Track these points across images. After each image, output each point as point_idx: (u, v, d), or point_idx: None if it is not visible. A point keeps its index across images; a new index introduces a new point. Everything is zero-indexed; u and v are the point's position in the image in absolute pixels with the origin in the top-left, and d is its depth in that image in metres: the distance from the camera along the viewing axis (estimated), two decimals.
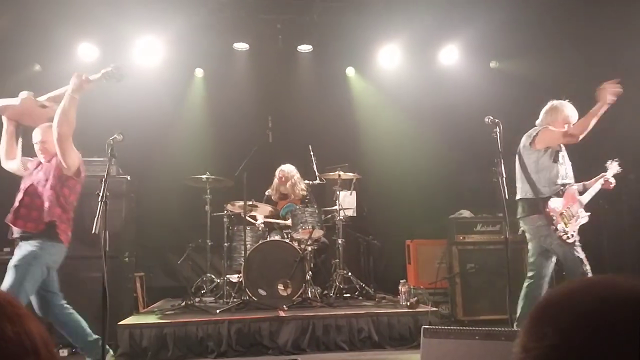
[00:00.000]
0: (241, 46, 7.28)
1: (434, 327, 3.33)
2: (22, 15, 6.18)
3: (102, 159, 6.10)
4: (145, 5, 6.23)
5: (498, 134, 4.22)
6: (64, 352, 5.37)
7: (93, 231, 3.56)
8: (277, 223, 6.52)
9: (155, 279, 7.21)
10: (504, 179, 4.12)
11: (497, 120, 4.25)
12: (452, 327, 3.26)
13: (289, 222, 6.33)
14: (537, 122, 4.72)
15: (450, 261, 6.55)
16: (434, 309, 5.76)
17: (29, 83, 6.39)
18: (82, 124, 6.41)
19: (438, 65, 7.52)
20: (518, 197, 4.65)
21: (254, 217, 6.55)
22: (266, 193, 6.82)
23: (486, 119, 4.29)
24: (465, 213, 6.80)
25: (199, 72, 7.40)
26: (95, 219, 3.54)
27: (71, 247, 5.67)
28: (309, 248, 6.03)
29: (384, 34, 7.14)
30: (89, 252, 5.01)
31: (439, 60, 7.52)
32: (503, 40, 6.92)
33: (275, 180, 6.78)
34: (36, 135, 4.16)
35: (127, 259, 5.93)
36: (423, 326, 3.23)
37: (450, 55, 7.45)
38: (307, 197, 6.34)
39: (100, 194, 3.61)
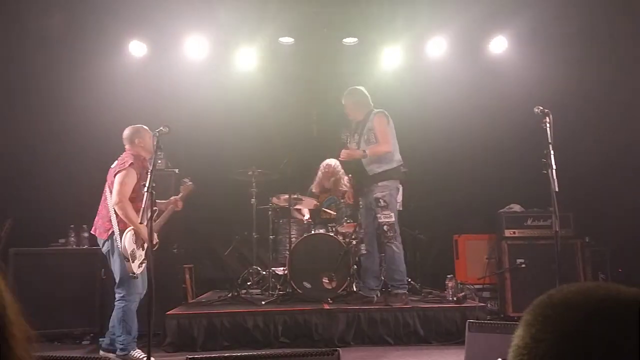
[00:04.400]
0: (286, 40, 7.28)
1: (479, 321, 3.26)
2: (77, 14, 6.38)
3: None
4: (191, 3, 6.32)
5: (548, 125, 4.07)
6: None
7: (139, 222, 3.64)
8: (323, 213, 6.51)
9: (203, 270, 7.34)
10: (554, 170, 3.98)
11: (546, 110, 4.10)
12: (498, 322, 3.18)
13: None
14: None
15: (499, 256, 6.40)
16: (482, 304, 5.65)
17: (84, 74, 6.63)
18: (133, 121, 6.57)
19: (487, 55, 7.31)
20: None
21: (299, 211, 6.56)
22: (312, 190, 6.82)
23: (535, 109, 4.15)
24: (516, 207, 6.62)
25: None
26: (142, 210, 3.62)
27: None
28: (354, 241, 6.00)
29: (432, 24, 7.00)
30: None
31: (488, 50, 7.30)
32: (553, 30, 6.67)
33: (320, 174, 6.76)
34: None
35: (175, 250, 6.05)
36: (468, 320, 3.16)
37: (500, 45, 7.23)
38: (352, 193, 6.29)
39: (147, 184, 3.68)
